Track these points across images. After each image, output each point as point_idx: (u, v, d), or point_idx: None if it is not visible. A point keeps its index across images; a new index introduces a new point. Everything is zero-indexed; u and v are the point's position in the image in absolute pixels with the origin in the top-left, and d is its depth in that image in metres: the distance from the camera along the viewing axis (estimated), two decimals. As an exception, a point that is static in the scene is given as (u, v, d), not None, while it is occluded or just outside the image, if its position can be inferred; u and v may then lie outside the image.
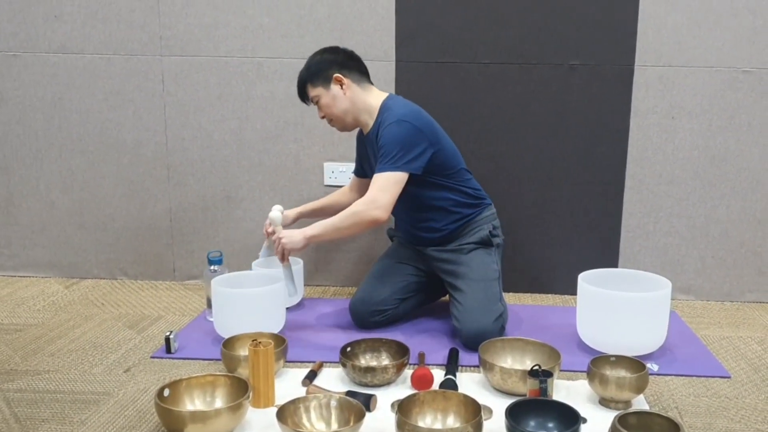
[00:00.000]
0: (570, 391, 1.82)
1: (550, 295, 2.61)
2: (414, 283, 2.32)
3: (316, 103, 2.19)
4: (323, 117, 2.22)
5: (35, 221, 2.75)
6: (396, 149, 2.05)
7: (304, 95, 2.20)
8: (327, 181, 2.63)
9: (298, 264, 2.44)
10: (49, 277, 2.78)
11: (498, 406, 1.66)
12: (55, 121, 2.67)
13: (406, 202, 2.19)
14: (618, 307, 1.99)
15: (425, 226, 2.25)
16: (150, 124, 2.65)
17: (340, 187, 2.54)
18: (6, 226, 2.76)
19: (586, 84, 2.50)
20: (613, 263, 2.59)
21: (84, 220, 2.74)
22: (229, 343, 1.92)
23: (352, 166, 2.51)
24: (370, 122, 2.19)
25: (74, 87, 2.64)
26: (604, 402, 1.75)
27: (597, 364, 1.79)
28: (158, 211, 2.71)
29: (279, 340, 1.95)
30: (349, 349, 1.93)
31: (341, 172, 2.60)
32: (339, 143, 2.59)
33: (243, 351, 1.87)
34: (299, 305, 2.47)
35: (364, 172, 2.36)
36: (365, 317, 2.25)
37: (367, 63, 2.23)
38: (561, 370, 1.87)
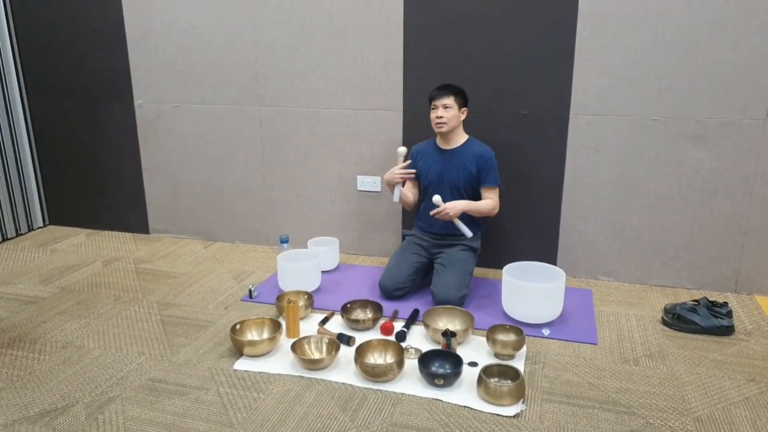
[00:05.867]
0: (478, 345, 2.11)
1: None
2: (420, 265, 2.50)
3: (446, 107, 2.32)
4: (441, 117, 2.33)
5: (190, 207, 3.29)
6: (497, 171, 2.41)
7: (447, 94, 2.32)
8: (359, 188, 2.97)
9: (334, 244, 2.83)
10: (196, 240, 3.35)
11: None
12: (198, 145, 3.17)
13: (454, 200, 2.37)
14: (526, 292, 2.21)
15: (448, 222, 2.38)
16: (252, 149, 3.07)
17: (368, 191, 2.91)
18: (173, 209, 3.34)
19: (535, 127, 2.65)
20: (554, 254, 2.76)
21: (216, 206, 3.24)
22: (280, 297, 2.42)
23: (375, 179, 2.87)
24: (459, 143, 2.41)
25: (207, 125, 3.14)
26: (497, 355, 2.04)
27: (493, 330, 2.08)
28: (258, 202, 3.16)
29: (309, 296, 2.44)
30: (348, 305, 2.33)
31: (368, 182, 2.95)
32: (367, 163, 2.92)
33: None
34: (337, 269, 2.84)
35: (415, 175, 2.52)
36: (390, 291, 2.43)
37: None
38: (478, 329, 2.17)
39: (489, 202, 2.41)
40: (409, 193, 2.60)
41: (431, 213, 2.32)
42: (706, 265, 2.62)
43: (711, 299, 2.29)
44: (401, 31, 2.73)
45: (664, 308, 2.33)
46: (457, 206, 2.33)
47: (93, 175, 3.44)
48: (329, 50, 2.85)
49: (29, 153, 3.44)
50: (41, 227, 3.60)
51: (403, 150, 2.38)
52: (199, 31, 3.02)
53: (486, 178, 2.40)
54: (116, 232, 3.51)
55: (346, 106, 2.90)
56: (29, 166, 3.45)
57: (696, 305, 2.25)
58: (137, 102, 3.21)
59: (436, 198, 2.31)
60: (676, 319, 2.23)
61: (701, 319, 2.17)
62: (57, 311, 2.48)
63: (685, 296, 2.55)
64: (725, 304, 2.24)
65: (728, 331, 2.17)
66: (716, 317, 2.17)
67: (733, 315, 2.27)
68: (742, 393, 1.86)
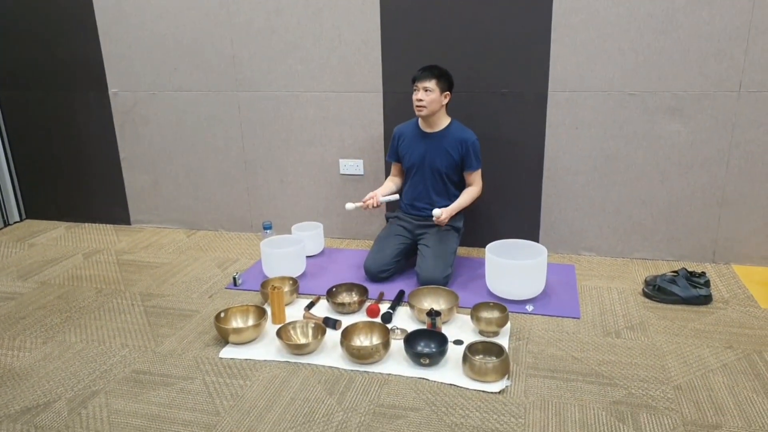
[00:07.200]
0: (463, 323, 2.13)
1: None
2: (404, 247, 2.50)
3: (426, 90, 2.26)
4: (420, 100, 2.29)
5: (171, 196, 3.26)
6: (479, 155, 2.42)
7: (428, 77, 2.26)
8: (342, 171, 2.95)
9: (318, 228, 2.82)
10: (179, 229, 3.32)
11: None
12: (177, 133, 3.12)
13: (436, 183, 2.42)
14: (509, 269, 2.21)
15: (430, 205, 2.43)
16: (232, 135, 3.03)
17: (351, 175, 2.88)
18: (155, 198, 3.30)
19: (514, 105, 2.63)
20: (536, 231, 2.77)
21: (199, 194, 3.21)
22: (264, 284, 2.40)
23: (358, 162, 2.83)
24: (441, 127, 2.39)
25: (185, 112, 3.10)
26: (482, 332, 2.05)
27: (477, 308, 2.09)
28: (240, 189, 3.14)
29: (294, 282, 2.42)
30: (334, 289, 2.32)
31: (350, 165, 2.92)
32: (348, 147, 2.90)
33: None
34: (322, 254, 2.84)
35: (398, 157, 2.54)
36: (375, 274, 2.42)
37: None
38: (462, 308, 2.17)
39: (472, 191, 2.43)
40: (392, 184, 2.62)
41: (434, 221, 2.37)
42: (684, 237, 2.64)
43: (690, 270, 2.31)
44: (378, 10, 2.66)
45: (645, 280, 2.35)
46: (447, 212, 2.38)
47: (70, 166, 3.36)
48: (306, 31, 2.79)
49: (1, 146, 3.34)
50: (18, 222, 3.51)
51: (351, 205, 2.41)
52: (172, 16, 2.93)
53: (469, 164, 2.40)
54: (97, 224, 3.43)
55: (325, 89, 2.85)
56: (2, 160, 3.36)
57: (675, 276, 2.27)
58: (112, 90, 3.14)
59: (436, 211, 2.36)
60: (657, 290, 2.25)
61: (680, 290, 2.20)
62: (36, 306, 2.42)
63: (665, 268, 2.57)
64: (703, 274, 2.27)
65: (706, 300, 2.20)
66: (695, 287, 2.21)
67: (711, 284, 2.30)
68: (720, 360, 1.89)
